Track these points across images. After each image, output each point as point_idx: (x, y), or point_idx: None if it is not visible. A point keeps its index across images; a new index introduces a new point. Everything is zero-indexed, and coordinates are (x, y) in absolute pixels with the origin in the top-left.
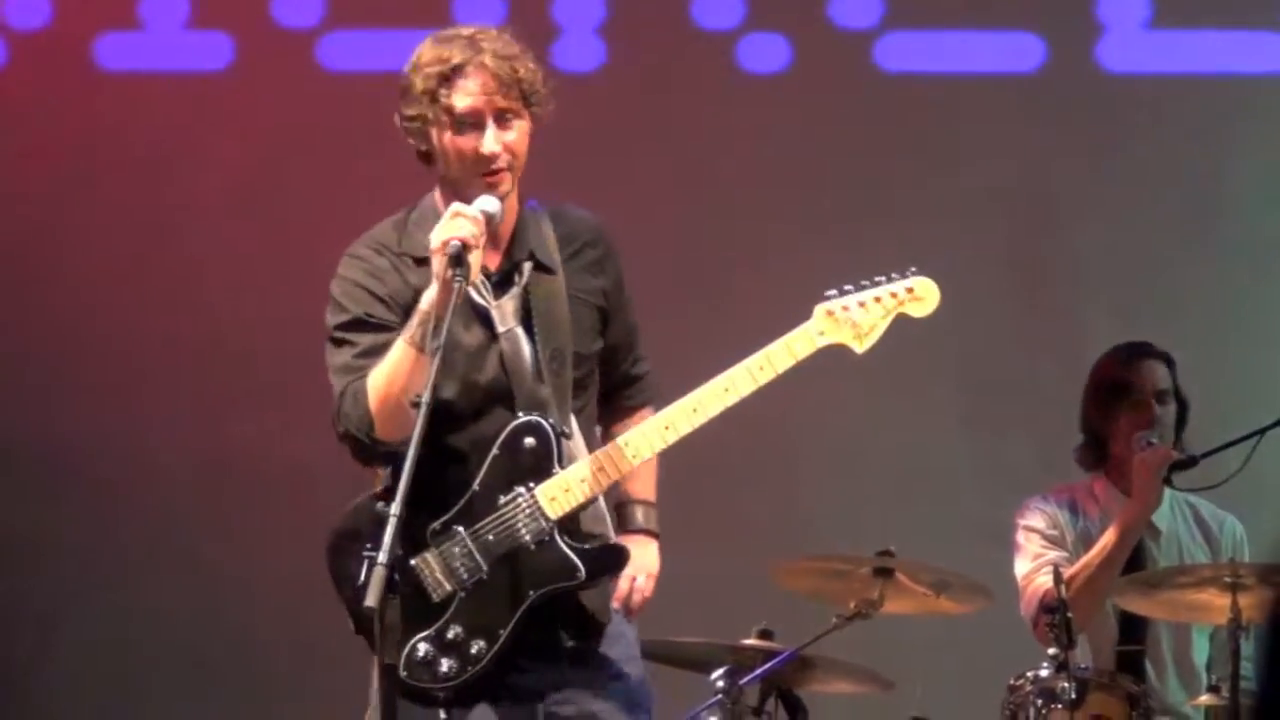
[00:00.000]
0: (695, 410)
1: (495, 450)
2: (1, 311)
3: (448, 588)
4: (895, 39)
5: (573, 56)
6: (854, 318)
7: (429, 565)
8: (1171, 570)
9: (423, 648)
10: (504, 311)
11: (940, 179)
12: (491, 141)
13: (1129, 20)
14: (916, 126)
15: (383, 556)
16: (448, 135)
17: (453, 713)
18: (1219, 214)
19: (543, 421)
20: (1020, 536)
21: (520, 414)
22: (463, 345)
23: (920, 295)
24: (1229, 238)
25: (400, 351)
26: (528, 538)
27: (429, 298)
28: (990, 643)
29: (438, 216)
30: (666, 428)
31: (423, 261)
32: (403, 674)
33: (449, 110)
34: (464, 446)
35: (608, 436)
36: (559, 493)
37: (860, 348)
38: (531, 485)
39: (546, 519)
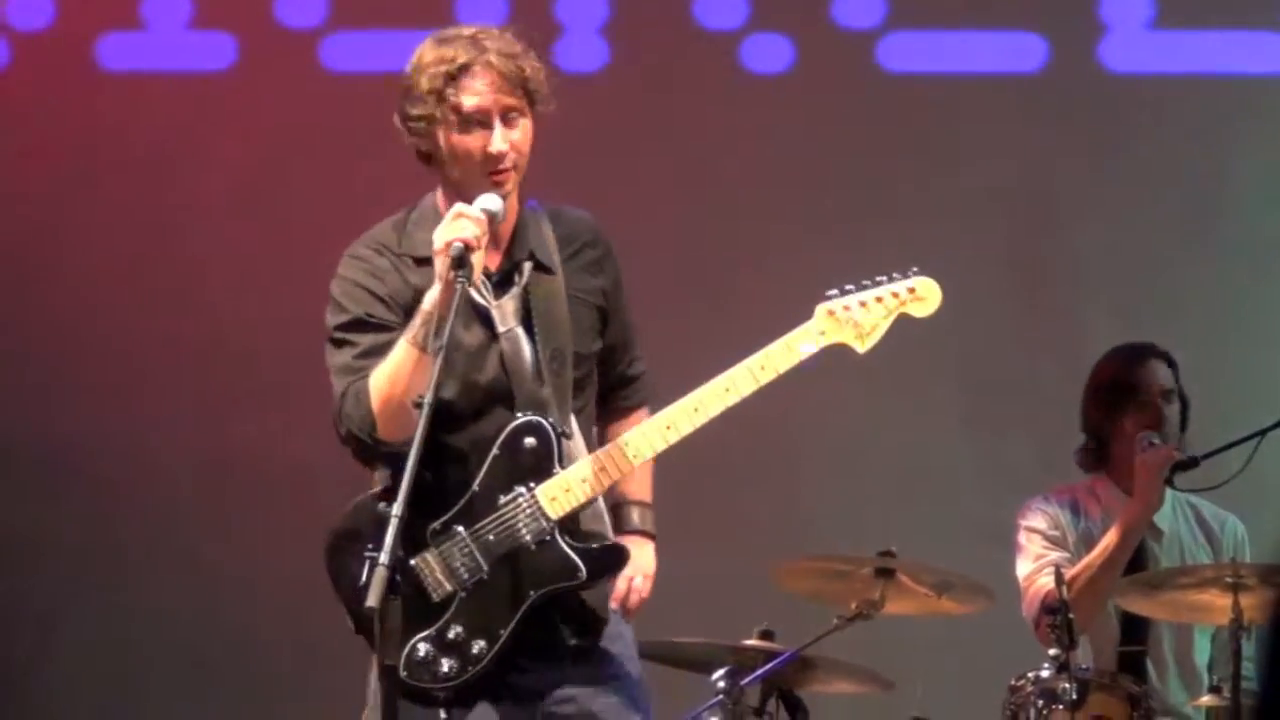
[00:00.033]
0: (696, 410)
1: (495, 450)
2: (2, 311)
3: (448, 588)
4: (898, 39)
5: (576, 56)
6: (855, 317)
7: (429, 565)
8: (1173, 571)
9: (423, 648)
10: (504, 311)
11: (942, 179)
12: (499, 140)
13: (1131, 20)
14: (919, 126)
15: (384, 557)
16: (454, 135)
17: (453, 713)
18: (1220, 214)
19: (543, 421)
20: (1022, 537)
21: (520, 414)
22: (463, 345)
23: (922, 295)
24: (1230, 238)
25: (403, 352)
26: (528, 538)
27: (431, 298)
28: (991, 643)
29: (438, 217)
30: (668, 427)
31: (423, 262)
32: (403, 674)
33: (456, 109)
34: (464, 446)
35: (604, 437)
36: (559, 493)
37: (862, 348)
38: (532, 485)
39: (547, 519)
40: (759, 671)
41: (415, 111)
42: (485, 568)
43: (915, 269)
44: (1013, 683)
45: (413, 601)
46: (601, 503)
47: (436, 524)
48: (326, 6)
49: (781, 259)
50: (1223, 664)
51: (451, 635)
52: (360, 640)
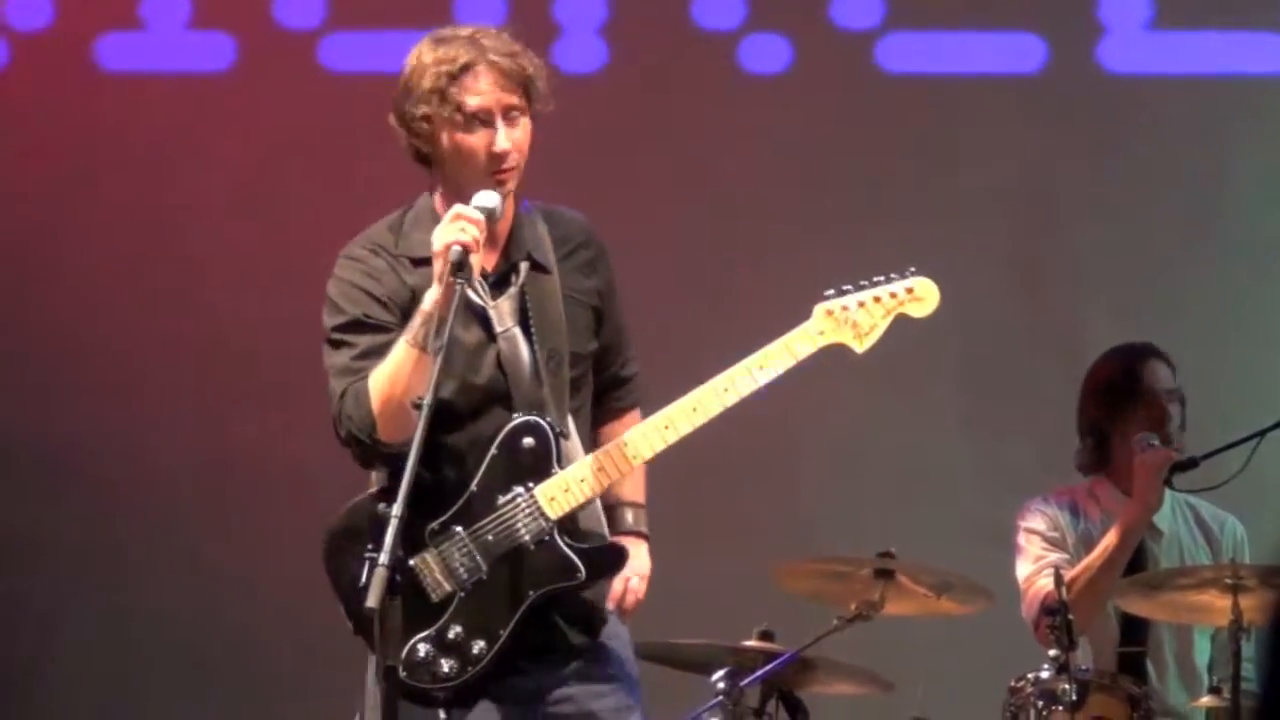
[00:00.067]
0: (695, 410)
1: (494, 450)
2: (2, 311)
3: (447, 588)
4: (896, 40)
5: (574, 57)
6: (854, 317)
7: (428, 566)
8: (1172, 572)
9: (423, 648)
10: (501, 312)
11: (941, 179)
12: (504, 139)
13: (1130, 21)
14: (917, 127)
15: (384, 558)
16: (458, 134)
17: (452, 713)
18: (1219, 214)
19: (541, 421)
20: (1021, 539)
21: (518, 414)
22: (461, 345)
23: (920, 295)
24: (1230, 238)
25: (402, 353)
26: (527, 538)
27: (431, 298)
28: (991, 644)
29: (435, 218)
30: (666, 427)
31: (420, 262)
32: (403, 675)
33: (460, 108)
34: (462, 446)
35: (597, 438)
36: (558, 493)
37: (860, 348)
38: (530, 485)
39: (546, 519)
40: (759, 672)
41: (418, 111)
42: (484, 568)
43: (913, 269)
44: (1012, 684)
45: (412, 602)
46: (598, 503)
47: (435, 524)
48: (325, 7)
49: (780, 259)
50: (1223, 665)
51: (451, 636)
52: (360, 640)
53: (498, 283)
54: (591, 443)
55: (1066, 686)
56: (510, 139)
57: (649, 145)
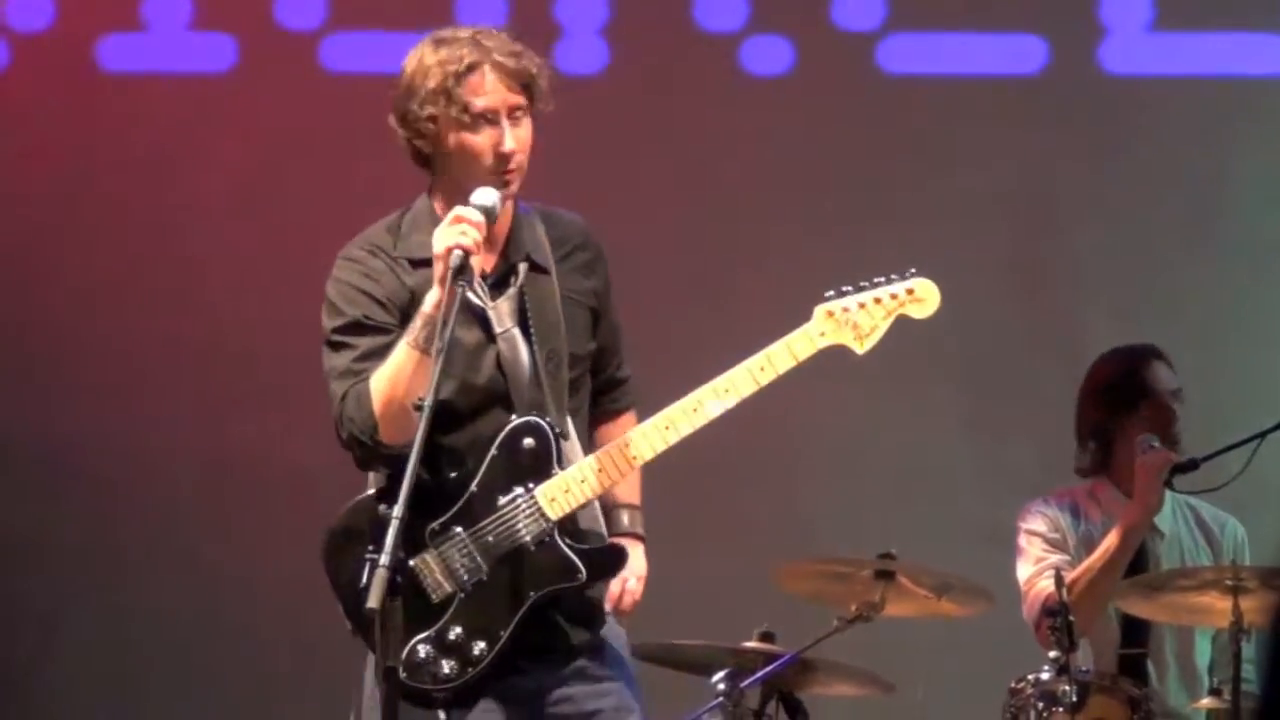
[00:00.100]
0: (696, 411)
1: (494, 450)
2: (2, 311)
3: (448, 589)
4: (898, 41)
5: (575, 58)
6: (855, 319)
7: (428, 566)
8: (1173, 573)
9: (423, 649)
10: (500, 313)
11: (942, 180)
12: (511, 139)
13: (1131, 22)
14: (918, 128)
15: (385, 558)
16: (464, 134)
17: (452, 714)
18: (1219, 215)
19: (541, 422)
20: (1022, 540)
21: (518, 414)
22: (461, 346)
23: (921, 296)
24: (1230, 239)
25: (403, 354)
26: (528, 538)
27: (431, 301)
28: (991, 645)
29: (434, 219)
30: (667, 428)
31: (419, 264)
32: (403, 676)
33: (466, 109)
34: (461, 447)
35: (593, 439)
36: (559, 493)
37: (861, 349)
38: (531, 486)
39: (547, 520)
40: (759, 674)
41: (424, 111)
42: (485, 569)
43: (913, 270)
44: (1013, 685)
45: (412, 603)
46: (597, 503)
47: (435, 524)
48: (326, 8)
49: (781, 260)
50: (1223, 666)
51: (452, 637)
52: (358, 640)
53: (497, 284)
54: (589, 444)
55: (1067, 688)
56: (516, 139)
57: (650, 146)
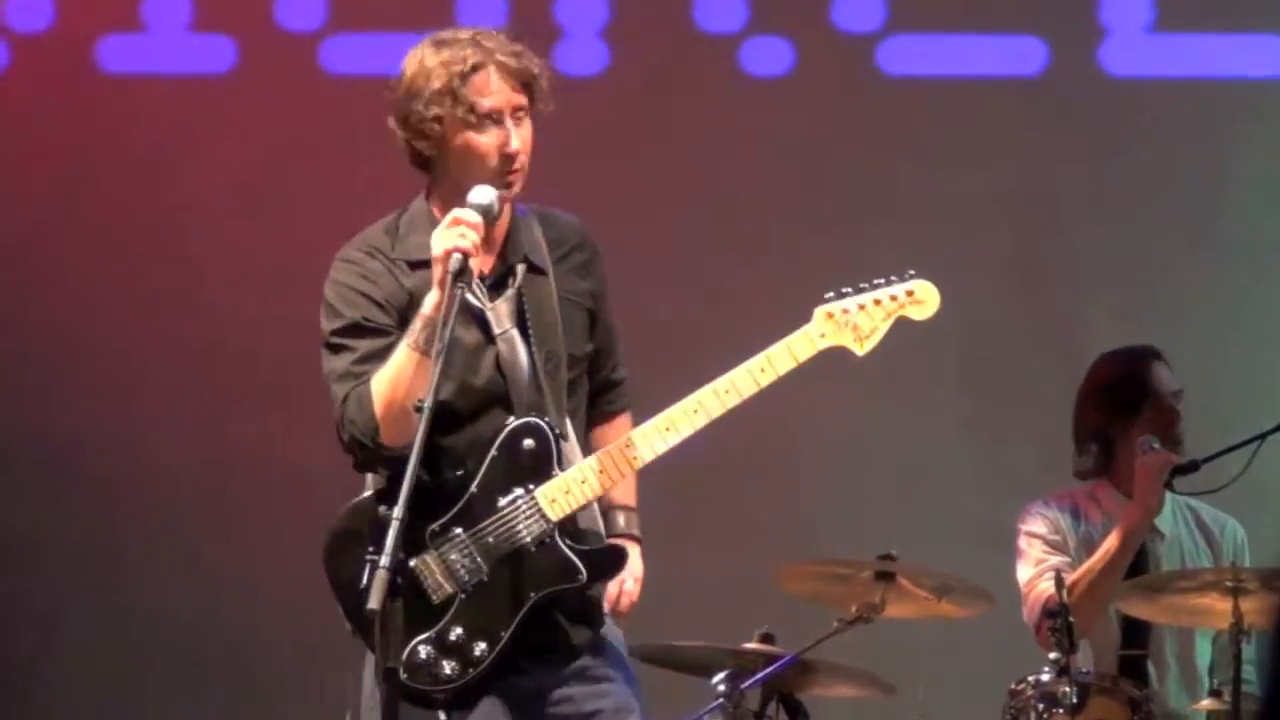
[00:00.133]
0: (696, 412)
1: (494, 451)
2: (2, 311)
3: (448, 590)
4: (898, 42)
5: (576, 59)
6: (855, 320)
7: (429, 567)
8: (1173, 574)
9: (424, 650)
10: (499, 314)
11: (942, 181)
12: (517, 139)
13: (1131, 24)
14: (918, 129)
15: (385, 559)
16: (469, 134)
17: (452, 715)
18: (1219, 217)
19: (541, 423)
20: (1022, 542)
21: (519, 415)
22: (460, 347)
23: (920, 298)
24: (1230, 241)
25: (404, 356)
26: (528, 540)
27: (430, 303)
28: (991, 647)
29: (432, 220)
30: (668, 429)
31: (417, 265)
32: (404, 676)
33: (473, 109)
34: (461, 448)
35: (588, 441)
36: (559, 494)
37: (861, 350)
38: (531, 487)
39: (547, 521)
40: (759, 675)
41: (429, 112)
42: (485, 569)
43: (912, 272)
44: (1013, 686)
45: (413, 603)
46: (596, 505)
47: (436, 525)
48: (326, 9)
49: (781, 261)
50: (1224, 668)
51: (452, 637)
52: (358, 640)
53: (495, 284)
54: (586, 445)
55: (1067, 689)
56: (520, 139)
57: (650, 147)
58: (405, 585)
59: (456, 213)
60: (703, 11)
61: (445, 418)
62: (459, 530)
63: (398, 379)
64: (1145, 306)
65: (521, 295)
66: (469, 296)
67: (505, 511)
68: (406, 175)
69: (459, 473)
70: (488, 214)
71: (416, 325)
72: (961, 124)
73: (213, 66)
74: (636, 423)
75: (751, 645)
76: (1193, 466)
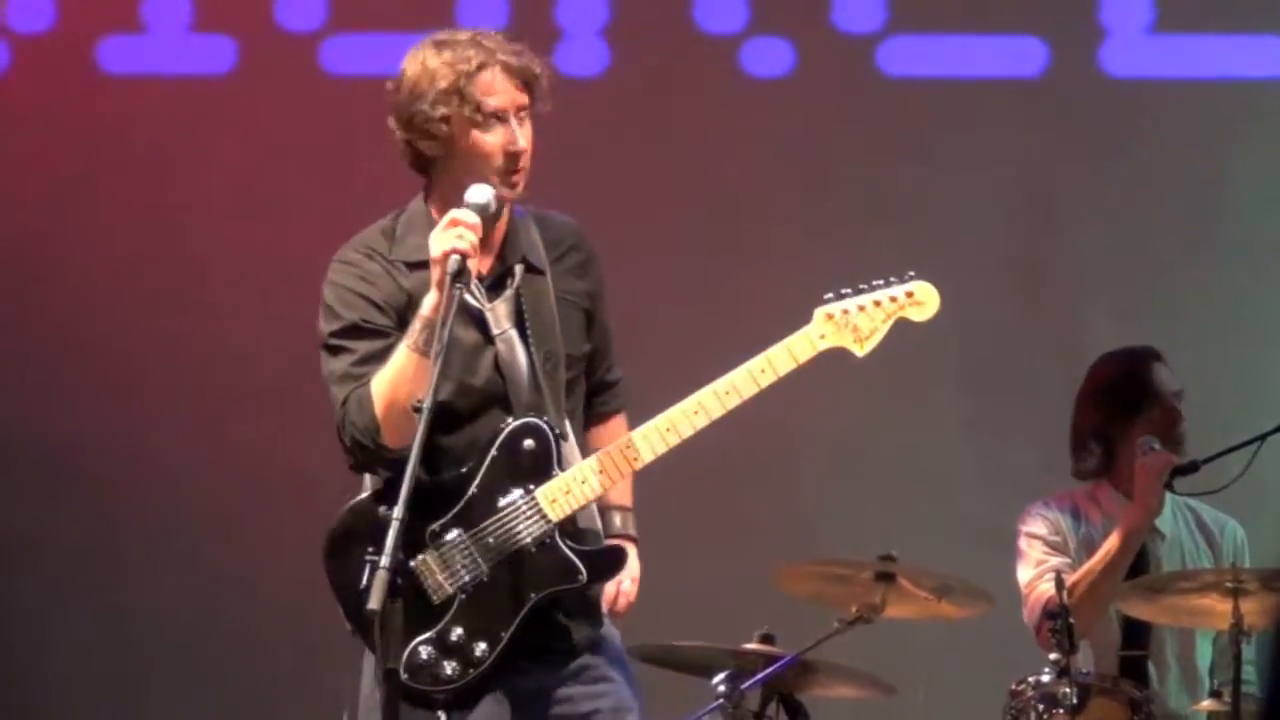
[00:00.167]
0: (697, 413)
1: (494, 452)
2: (3, 311)
3: (448, 590)
4: (898, 43)
5: (576, 60)
6: (854, 321)
7: (429, 567)
8: (1174, 575)
9: (424, 651)
10: (498, 314)
11: (942, 182)
12: (522, 138)
13: (1131, 25)
14: (919, 130)
15: (386, 560)
16: (476, 133)
17: (453, 715)
18: (1219, 217)
19: (541, 423)
20: (1023, 543)
21: (516, 415)
22: (459, 347)
23: (920, 300)
24: (1230, 241)
25: (404, 357)
26: (528, 540)
27: (429, 304)
28: (992, 647)
29: (430, 221)
30: (668, 430)
31: (416, 266)
32: (404, 677)
33: (479, 108)
34: (461, 448)
35: (584, 442)
36: (559, 495)
37: (861, 352)
38: (531, 487)
39: (547, 521)
40: (759, 675)
41: (436, 112)
42: (485, 570)
43: (912, 273)
44: (1013, 687)
45: (413, 604)
46: (595, 505)
47: (436, 526)
48: (326, 10)
49: (781, 261)
50: (1224, 668)
51: (453, 638)
52: (358, 640)
53: (493, 285)
54: (583, 446)
55: (1067, 690)
56: (524, 138)
57: (650, 148)
58: (405, 586)
59: (454, 214)
60: (703, 12)
61: (445, 418)
62: (459, 531)
63: (398, 380)
64: (1145, 306)
65: (520, 296)
66: (467, 297)
67: (505, 512)
68: (406, 176)
69: (459, 473)
70: (485, 213)
71: (415, 326)
72: (961, 124)
73: (213, 67)
74: (633, 423)
75: (751, 646)
76: (1193, 467)
